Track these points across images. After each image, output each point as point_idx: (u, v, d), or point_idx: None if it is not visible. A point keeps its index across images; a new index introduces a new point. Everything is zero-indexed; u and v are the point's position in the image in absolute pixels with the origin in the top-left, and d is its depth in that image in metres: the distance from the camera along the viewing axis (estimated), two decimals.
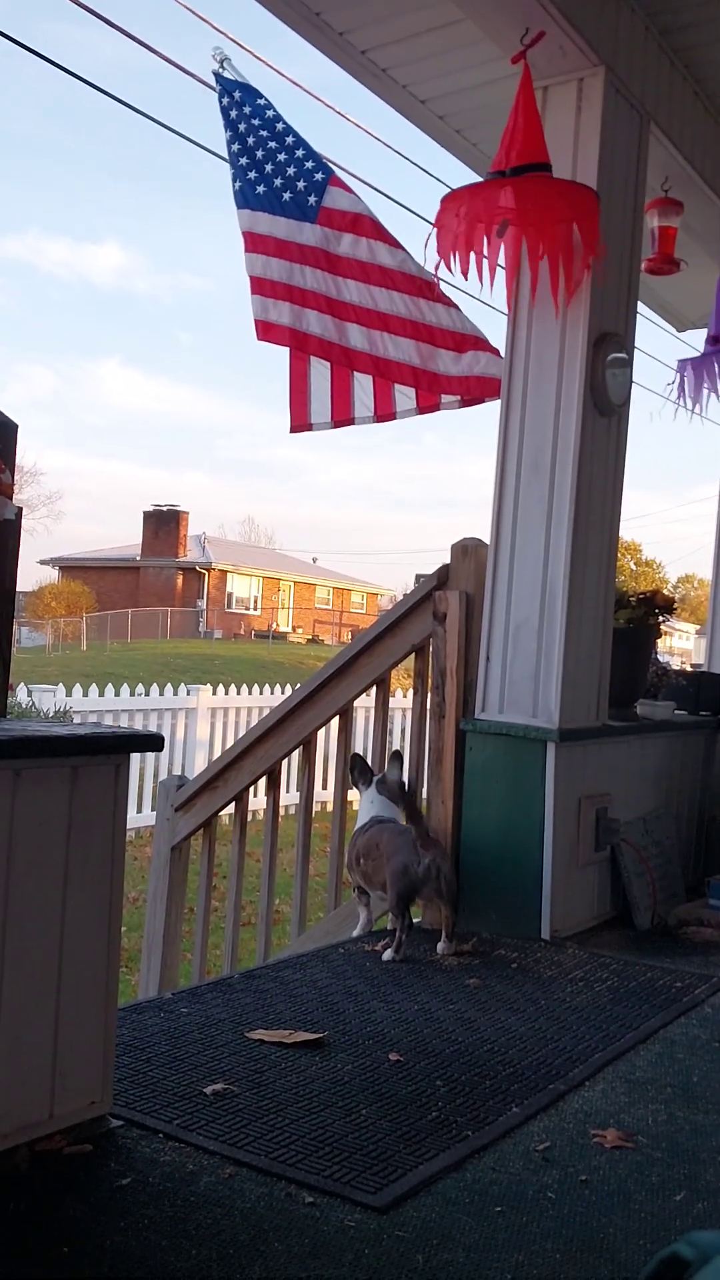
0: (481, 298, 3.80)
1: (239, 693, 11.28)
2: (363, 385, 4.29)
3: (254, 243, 4.11)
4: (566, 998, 2.90)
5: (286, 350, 4.17)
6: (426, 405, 4.30)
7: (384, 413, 4.31)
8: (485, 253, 3.21)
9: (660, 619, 4.21)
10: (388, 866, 3.25)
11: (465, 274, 3.16)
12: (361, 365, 4.17)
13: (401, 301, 4.17)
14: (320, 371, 4.26)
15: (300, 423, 4.30)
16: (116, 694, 10.09)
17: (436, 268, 3.22)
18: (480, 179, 3.38)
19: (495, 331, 4.42)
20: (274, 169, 4.17)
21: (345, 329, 4.13)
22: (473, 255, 3.18)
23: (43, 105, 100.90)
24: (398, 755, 3.70)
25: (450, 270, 3.19)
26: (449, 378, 4.23)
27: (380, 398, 4.30)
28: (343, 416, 4.29)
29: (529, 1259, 1.65)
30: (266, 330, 4.07)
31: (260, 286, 4.07)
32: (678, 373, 5.01)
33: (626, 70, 3.60)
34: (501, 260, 3.35)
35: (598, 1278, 1.61)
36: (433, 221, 3.24)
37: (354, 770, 3.65)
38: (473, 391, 4.24)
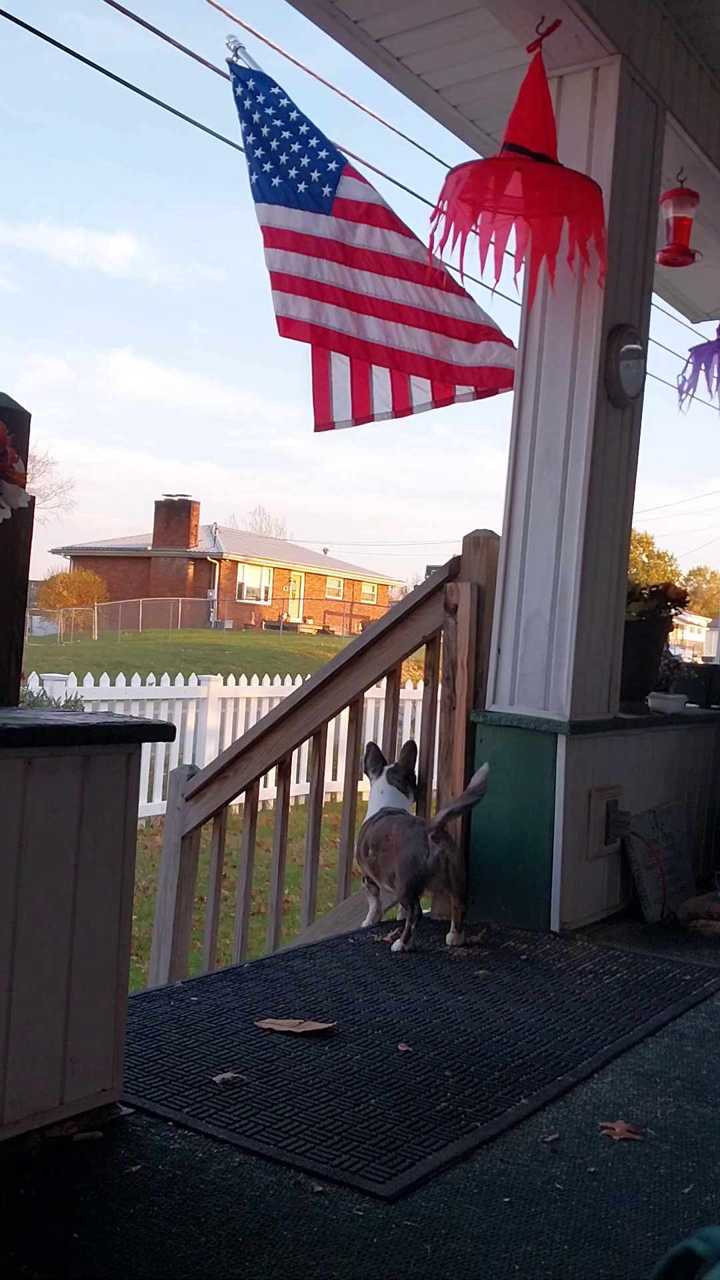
0: (497, 289, 3.78)
1: (249, 683, 11.29)
2: (380, 381, 4.29)
3: (272, 237, 4.11)
4: (575, 990, 2.91)
5: (305, 345, 4.17)
6: (442, 399, 4.30)
7: (401, 408, 4.31)
8: (491, 239, 3.19)
9: (672, 612, 4.20)
10: (397, 857, 3.25)
11: (466, 258, 3.15)
12: (378, 358, 4.17)
13: (415, 292, 4.17)
14: (340, 369, 4.26)
15: (323, 421, 4.30)
16: (128, 684, 10.11)
17: (441, 246, 3.19)
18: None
19: (508, 323, 4.40)
20: (289, 160, 4.16)
21: (362, 321, 4.12)
22: (477, 240, 3.17)
23: (56, 95, 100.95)
24: (411, 745, 3.71)
25: (450, 248, 3.17)
26: (462, 368, 4.22)
27: (397, 393, 4.30)
28: (363, 413, 4.30)
29: (537, 1250, 1.65)
30: (287, 326, 4.07)
31: (280, 282, 4.07)
32: (688, 363, 4.99)
33: (642, 59, 3.58)
34: (514, 248, 3.34)
35: (606, 1269, 1.62)
36: (436, 202, 3.21)
37: (368, 758, 3.68)
38: (486, 382, 4.23)
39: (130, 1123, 1.99)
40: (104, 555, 45.53)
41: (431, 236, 3.18)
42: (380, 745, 3.84)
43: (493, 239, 3.20)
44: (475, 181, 3.13)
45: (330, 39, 3.79)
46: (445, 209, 3.14)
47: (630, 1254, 1.66)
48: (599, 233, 3.26)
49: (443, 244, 3.15)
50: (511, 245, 3.33)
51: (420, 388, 4.30)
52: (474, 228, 3.16)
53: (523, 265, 3.51)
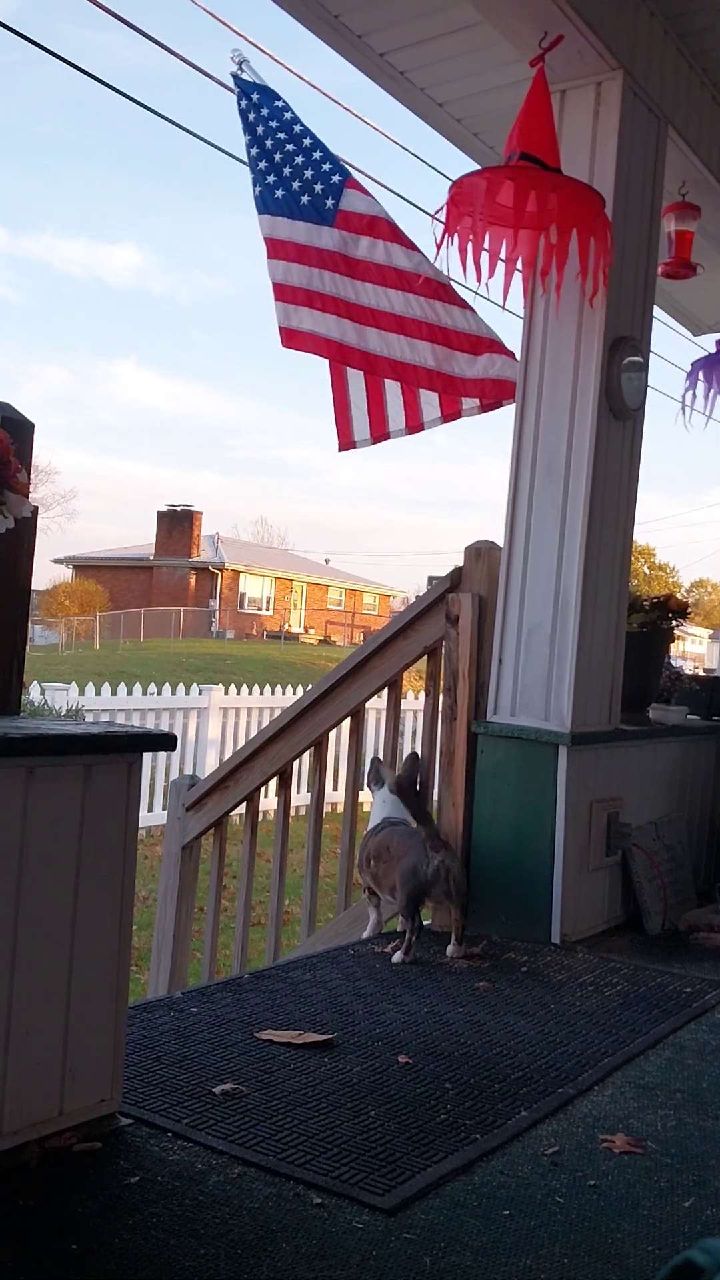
0: (496, 301, 3.79)
1: (250, 693, 11.29)
2: (393, 398, 4.31)
3: (275, 249, 4.13)
4: (576, 1002, 2.90)
5: (309, 357, 4.19)
6: (450, 413, 4.32)
7: (413, 424, 4.33)
8: (491, 249, 3.19)
9: (673, 623, 4.20)
10: (398, 868, 3.25)
11: (464, 269, 3.14)
12: (381, 370, 4.19)
13: (417, 304, 4.18)
14: (356, 387, 4.28)
15: (346, 441, 4.34)
16: (129, 693, 10.11)
17: (443, 244, 3.17)
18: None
19: (510, 336, 4.42)
20: (292, 172, 4.18)
21: (365, 333, 4.14)
22: (476, 248, 3.17)
23: (61, 105, 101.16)
24: (414, 756, 3.70)
25: (447, 262, 3.16)
26: (464, 380, 4.24)
27: (409, 409, 4.32)
28: (379, 431, 4.33)
29: (537, 1263, 1.65)
30: (290, 337, 4.09)
31: (282, 293, 4.09)
32: (690, 376, 5.00)
33: (645, 74, 3.60)
34: (519, 262, 3.34)
35: None
36: (442, 209, 3.20)
37: (371, 772, 3.67)
38: (489, 395, 4.24)
39: (129, 1133, 1.98)
40: (106, 565, 45.58)
41: (443, 240, 3.16)
42: (381, 756, 3.84)
43: (498, 251, 3.20)
44: (518, 190, 3.11)
45: (334, 53, 3.81)
46: (471, 217, 3.12)
47: (630, 1268, 1.65)
48: (609, 243, 3.27)
49: (442, 239, 3.13)
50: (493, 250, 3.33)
51: (429, 402, 4.32)
52: (479, 239, 3.16)
53: (527, 276, 3.52)
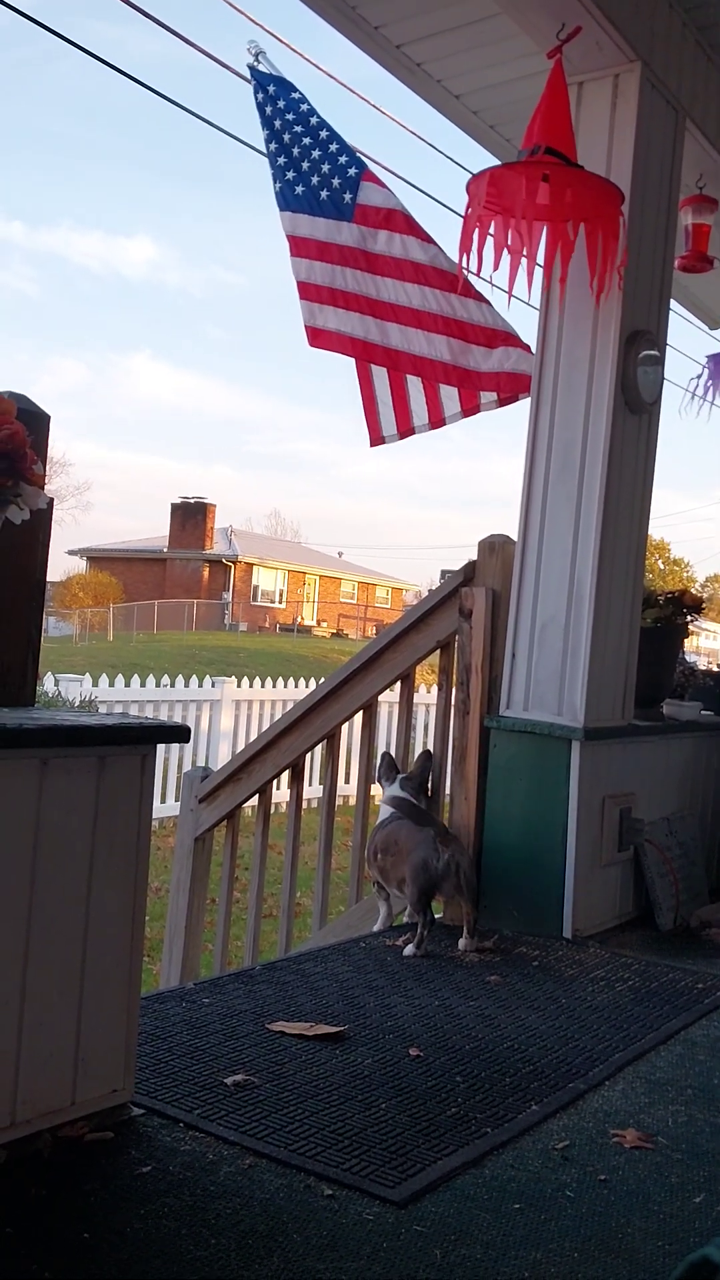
0: (514, 294, 3.77)
1: (264, 685, 11.31)
2: (415, 393, 4.32)
3: (297, 247, 4.14)
4: (587, 997, 2.90)
5: (329, 353, 4.19)
6: (469, 408, 4.32)
7: (435, 419, 4.35)
8: (514, 245, 3.18)
9: (688, 619, 4.19)
10: (407, 862, 3.25)
11: (488, 265, 3.13)
12: (403, 365, 4.19)
13: (434, 297, 4.17)
14: (381, 383, 4.29)
15: (376, 436, 4.36)
16: (142, 685, 10.13)
17: (466, 257, 3.17)
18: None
19: (524, 327, 4.40)
20: (310, 166, 4.18)
21: (387, 329, 4.15)
22: (499, 246, 3.15)
23: (77, 100, 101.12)
24: (426, 754, 3.71)
25: (474, 259, 3.15)
26: (480, 373, 4.23)
27: (431, 404, 4.34)
28: (405, 427, 4.35)
29: (547, 1257, 1.65)
30: (316, 336, 4.10)
31: (306, 292, 4.10)
32: (704, 368, 4.99)
33: (663, 66, 3.57)
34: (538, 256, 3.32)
35: (616, 1278, 1.61)
36: (464, 208, 3.19)
37: (381, 767, 3.68)
38: (505, 388, 4.24)
39: (141, 1123, 1.99)
40: (120, 557, 45.69)
41: (483, 239, 3.13)
42: (394, 750, 3.84)
43: (521, 247, 3.18)
44: (555, 186, 3.10)
45: (351, 45, 3.80)
46: (506, 214, 3.10)
47: (640, 1263, 1.65)
48: (621, 237, 3.25)
49: (471, 237, 3.11)
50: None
51: (449, 397, 4.33)
52: (501, 235, 3.15)
53: (549, 270, 3.51)
